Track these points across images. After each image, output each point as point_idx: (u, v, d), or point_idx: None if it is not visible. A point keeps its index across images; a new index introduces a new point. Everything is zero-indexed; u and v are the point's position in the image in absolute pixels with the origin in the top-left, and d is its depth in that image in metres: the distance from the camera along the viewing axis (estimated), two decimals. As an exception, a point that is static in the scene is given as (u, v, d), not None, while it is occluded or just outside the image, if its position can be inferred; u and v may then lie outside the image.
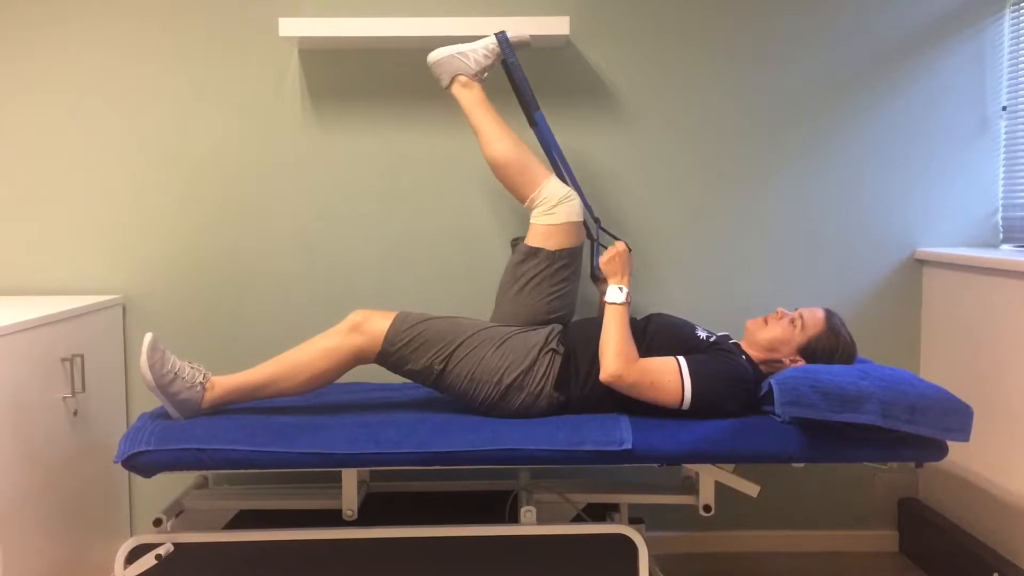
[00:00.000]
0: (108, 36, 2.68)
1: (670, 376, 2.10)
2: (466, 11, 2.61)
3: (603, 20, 2.73)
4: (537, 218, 2.34)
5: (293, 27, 2.52)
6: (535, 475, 2.54)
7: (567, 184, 2.42)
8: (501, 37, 2.40)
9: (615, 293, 2.21)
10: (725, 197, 2.78)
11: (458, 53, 2.39)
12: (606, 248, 2.31)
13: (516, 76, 2.42)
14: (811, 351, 2.20)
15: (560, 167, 2.47)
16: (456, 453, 2.02)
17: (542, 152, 2.46)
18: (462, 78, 2.40)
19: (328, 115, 2.73)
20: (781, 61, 2.76)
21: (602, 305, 2.25)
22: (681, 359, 2.13)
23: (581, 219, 2.36)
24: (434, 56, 2.41)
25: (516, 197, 2.39)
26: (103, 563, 2.52)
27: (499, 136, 2.36)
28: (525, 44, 2.48)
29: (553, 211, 2.32)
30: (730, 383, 2.13)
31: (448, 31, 2.50)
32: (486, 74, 2.42)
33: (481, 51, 2.39)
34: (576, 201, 2.34)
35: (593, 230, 2.51)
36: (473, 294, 2.66)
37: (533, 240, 2.34)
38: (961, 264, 2.62)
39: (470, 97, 2.40)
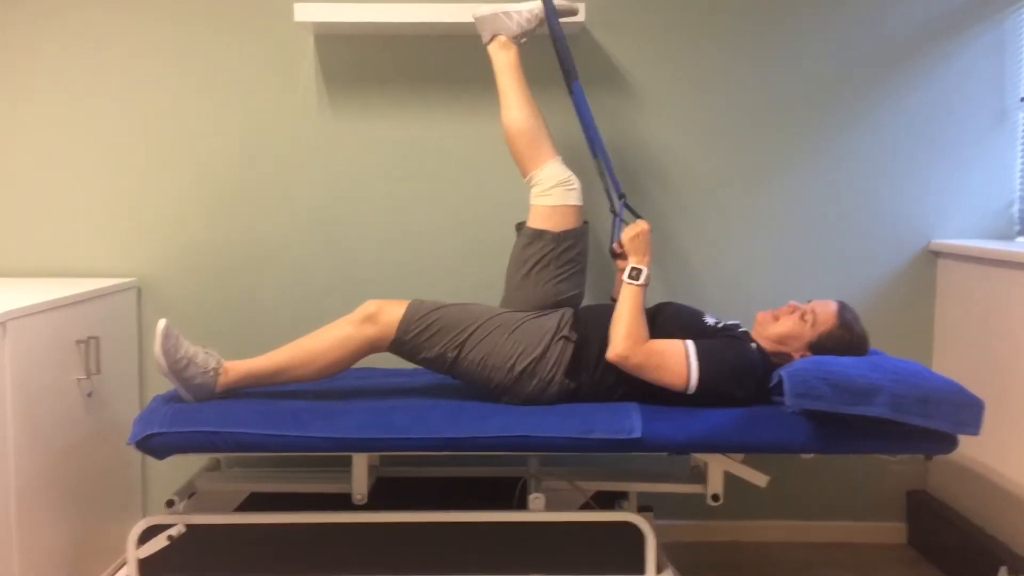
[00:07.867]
0: (124, 21, 2.69)
1: (677, 359, 2.10)
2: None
3: (619, 8, 2.71)
4: (534, 198, 2.35)
5: (309, 12, 2.52)
6: (544, 462, 2.54)
7: (595, 158, 2.43)
8: (548, 3, 2.39)
9: (635, 273, 2.20)
10: (739, 188, 2.77)
11: (502, 12, 2.39)
12: (628, 225, 2.29)
13: (559, 44, 2.41)
14: (821, 347, 2.19)
15: (591, 137, 2.45)
16: (466, 440, 2.03)
17: (558, 135, 2.46)
18: (501, 38, 2.40)
19: (343, 100, 2.73)
20: (798, 53, 2.74)
21: (619, 283, 2.25)
22: (689, 343, 2.12)
23: (579, 204, 2.35)
24: (478, 12, 2.41)
25: (520, 170, 2.40)
26: (116, 543, 2.55)
27: (520, 105, 2.37)
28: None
29: (549, 192, 2.33)
30: (738, 369, 2.12)
31: (462, 17, 2.49)
32: (525, 39, 2.42)
33: (525, 14, 2.39)
34: (576, 188, 2.34)
35: (616, 206, 2.50)
36: (487, 280, 2.66)
37: (535, 222, 2.34)
38: (976, 256, 2.61)
39: (504, 59, 2.39)
